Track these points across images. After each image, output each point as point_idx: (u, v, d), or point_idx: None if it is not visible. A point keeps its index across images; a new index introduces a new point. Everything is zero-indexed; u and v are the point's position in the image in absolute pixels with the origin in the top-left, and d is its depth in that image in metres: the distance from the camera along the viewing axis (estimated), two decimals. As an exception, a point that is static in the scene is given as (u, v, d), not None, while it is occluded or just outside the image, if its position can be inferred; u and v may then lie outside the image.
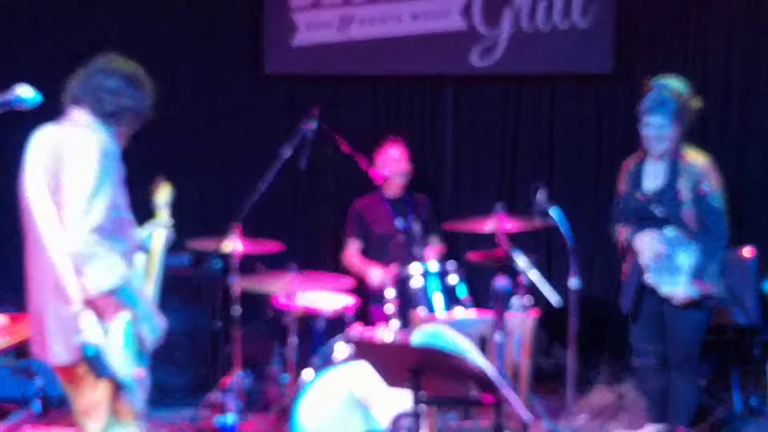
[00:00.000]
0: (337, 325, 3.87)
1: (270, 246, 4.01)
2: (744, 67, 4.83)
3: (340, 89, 5.01)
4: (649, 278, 3.44)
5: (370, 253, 4.45)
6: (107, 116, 2.45)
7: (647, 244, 3.44)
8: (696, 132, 4.76)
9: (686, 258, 3.40)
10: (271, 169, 3.59)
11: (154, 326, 2.38)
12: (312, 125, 3.66)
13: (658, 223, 3.46)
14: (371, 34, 4.84)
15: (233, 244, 3.82)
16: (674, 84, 3.48)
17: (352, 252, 4.47)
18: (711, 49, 4.86)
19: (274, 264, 3.99)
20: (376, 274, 4.16)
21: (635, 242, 3.50)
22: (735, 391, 4.18)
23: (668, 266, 3.41)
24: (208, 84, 5.01)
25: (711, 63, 4.87)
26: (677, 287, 3.38)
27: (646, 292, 3.54)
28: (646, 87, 3.52)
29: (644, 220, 3.49)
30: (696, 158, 3.49)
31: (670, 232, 3.41)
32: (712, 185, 3.42)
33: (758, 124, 4.88)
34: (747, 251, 4.27)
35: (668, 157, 3.50)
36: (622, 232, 3.62)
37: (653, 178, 3.53)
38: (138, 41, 4.89)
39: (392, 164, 4.42)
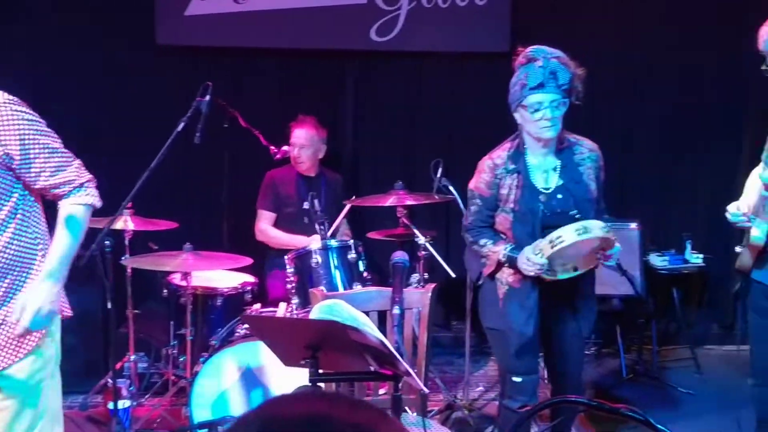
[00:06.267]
0: (235, 303, 3.79)
1: (163, 224, 3.88)
2: (637, 46, 5.00)
3: (237, 62, 4.88)
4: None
5: (278, 227, 4.32)
6: None
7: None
8: (586, 110, 4.96)
9: None
10: (164, 144, 3.45)
11: None
12: (205, 99, 3.52)
13: None
14: (268, 6, 4.71)
15: (124, 223, 3.68)
16: (557, 52, 2.73)
17: (268, 224, 4.32)
18: (605, 26, 4.99)
19: (168, 243, 3.86)
20: (314, 238, 3.82)
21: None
22: (620, 357, 4.40)
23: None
24: (101, 56, 4.76)
25: (605, 40, 5.02)
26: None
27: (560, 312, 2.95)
28: (523, 59, 2.75)
29: (549, 228, 2.69)
30: (591, 144, 2.90)
31: None
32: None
33: (648, 103, 5.10)
34: (634, 225, 4.47)
35: (555, 145, 2.80)
36: (495, 250, 2.79)
37: (545, 174, 2.81)
38: (28, 14, 4.59)
39: (302, 142, 4.29)
